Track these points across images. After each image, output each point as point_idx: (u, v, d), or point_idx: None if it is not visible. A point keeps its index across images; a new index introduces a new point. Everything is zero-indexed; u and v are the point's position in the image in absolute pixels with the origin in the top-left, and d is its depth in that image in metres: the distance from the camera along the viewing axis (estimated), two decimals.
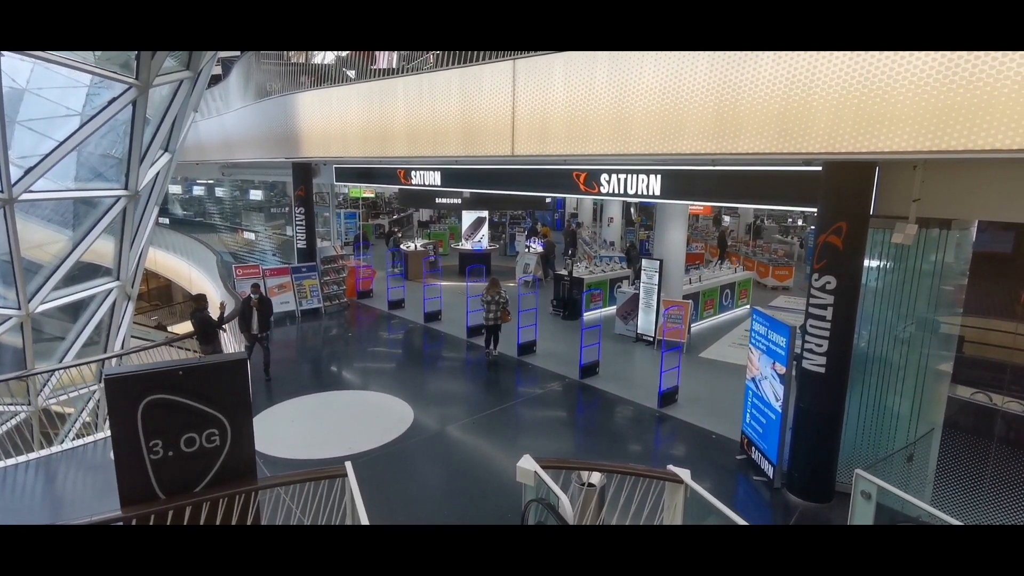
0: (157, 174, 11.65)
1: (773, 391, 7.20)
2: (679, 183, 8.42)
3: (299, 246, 16.43)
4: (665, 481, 5.10)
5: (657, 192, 8.58)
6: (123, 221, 10.71)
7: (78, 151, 9.57)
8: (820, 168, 6.47)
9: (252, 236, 24.64)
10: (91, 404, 11.91)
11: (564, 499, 4.46)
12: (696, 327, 13.48)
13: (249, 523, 4.57)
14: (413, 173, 13.58)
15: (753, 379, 7.76)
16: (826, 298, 6.38)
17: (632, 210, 29.97)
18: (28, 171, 8.49)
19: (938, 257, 6.24)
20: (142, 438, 4.14)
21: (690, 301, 12.69)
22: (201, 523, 4.30)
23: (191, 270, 22.29)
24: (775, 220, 31.28)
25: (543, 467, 4.82)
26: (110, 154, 10.69)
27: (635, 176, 8.82)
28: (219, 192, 31.57)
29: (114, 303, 11.95)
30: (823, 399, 6.66)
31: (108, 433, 8.71)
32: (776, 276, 19.34)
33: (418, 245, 20.63)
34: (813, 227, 24.84)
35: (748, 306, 15.78)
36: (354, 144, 11.86)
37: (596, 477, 5.39)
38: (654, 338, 12.53)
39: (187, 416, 4.27)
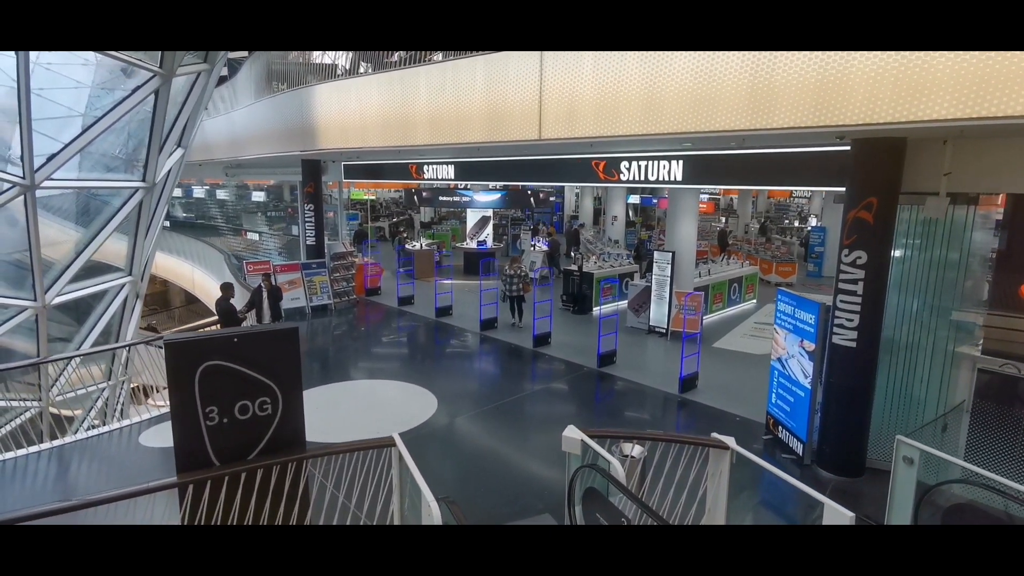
0: (170, 170, 11.67)
1: (801, 368, 7.27)
2: (702, 167, 8.50)
3: (308, 243, 16.43)
4: (709, 448, 5.14)
5: (679, 178, 8.66)
6: (139, 214, 10.71)
7: (83, 152, 9.55)
8: (848, 147, 6.58)
9: (256, 236, 24.65)
10: (98, 405, 11.82)
11: (615, 463, 4.49)
12: (706, 320, 13.56)
13: (300, 493, 4.59)
14: (426, 168, 13.62)
15: (779, 359, 7.83)
16: (857, 273, 6.46)
17: (630, 212, 30.26)
18: (50, 158, 8.50)
19: (965, 234, 6.35)
20: (199, 404, 4.16)
21: (701, 293, 12.79)
22: (254, 492, 4.31)
23: (193, 271, 22.22)
24: (773, 221, 31.72)
25: (589, 436, 4.86)
26: (115, 155, 10.71)
27: (656, 162, 8.91)
28: (220, 195, 31.59)
29: (125, 299, 11.91)
30: (854, 373, 6.74)
31: (117, 425, 8.66)
32: (780, 272, 19.52)
33: (423, 244, 20.70)
34: (812, 227, 25.34)
35: (755, 300, 15.98)
36: (373, 134, 11.84)
37: (637, 450, 5.42)
38: (667, 329, 12.60)
39: (241, 383, 4.31)
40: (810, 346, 7.10)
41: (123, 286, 11.55)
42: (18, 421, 10.00)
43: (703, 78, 6.74)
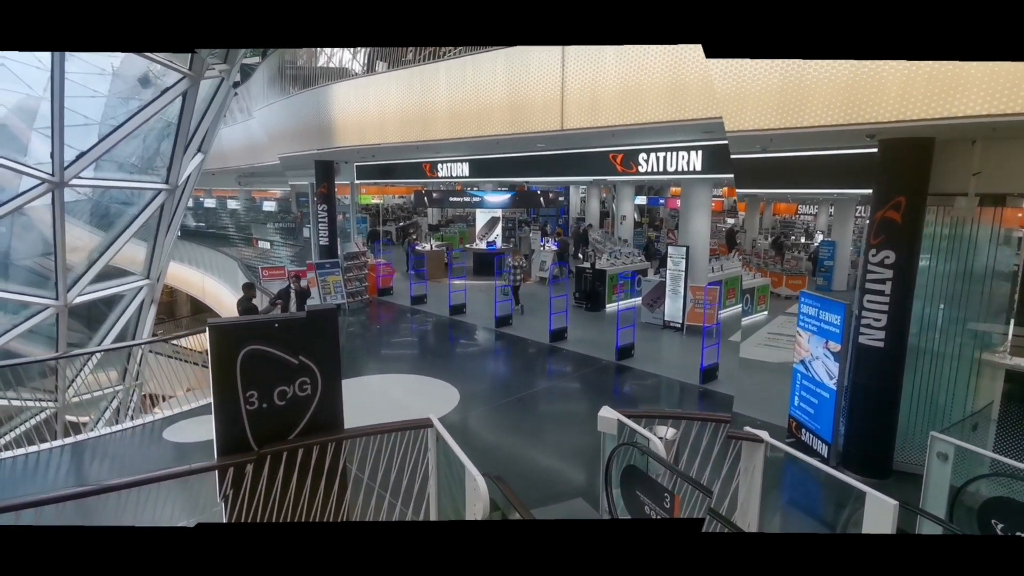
0: (189, 175, 11.73)
1: (826, 370, 7.26)
2: (722, 157, 8.49)
3: (321, 243, 16.48)
4: (742, 443, 5.10)
5: (698, 167, 8.67)
6: (159, 217, 10.79)
7: (99, 159, 9.64)
8: (875, 149, 6.57)
9: (267, 245, 24.86)
10: (108, 413, 11.76)
11: (655, 440, 4.46)
12: (721, 315, 13.59)
13: (339, 472, 4.61)
14: (440, 166, 13.64)
15: (803, 361, 7.81)
16: (884, 272, 6.47)
17: (637, 213, 30.42)
18: (79, 156, 8.60)
19: (991, 243, 6.34)
20: (240, 388, 4.20)
21: (718, 286, 12.81)
22: (295, 471, 4.33)
23: (204, 279, 22.34)
24: (785, 236, 31.94)
25: (625, 415, 4.83)
26: (131, 163, 10.80)
27: (675, 153, 8.91)
28: (231, 204, 31.89)
29: (141, 303, 11.95)
30: (882, 374, 6.73)
31: (141, 421, 8.65)
32: (790, 285, 19.49)
33: (433, 246, 20.79)
34: (819, 243, 25.37)
35: (767, 312, 15.92)
36: (392, 129, 11.84)
37: (671, 432, 5.38)
38: (682, 324, 12.63)
39: (281, 368, 4.36)
40: (835, 347, 7.10)
41: (140, 289, 11.62)
42: (32, 422, 9.99)
43: (732, 76, 6.74)
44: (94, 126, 9.41)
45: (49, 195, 8.65)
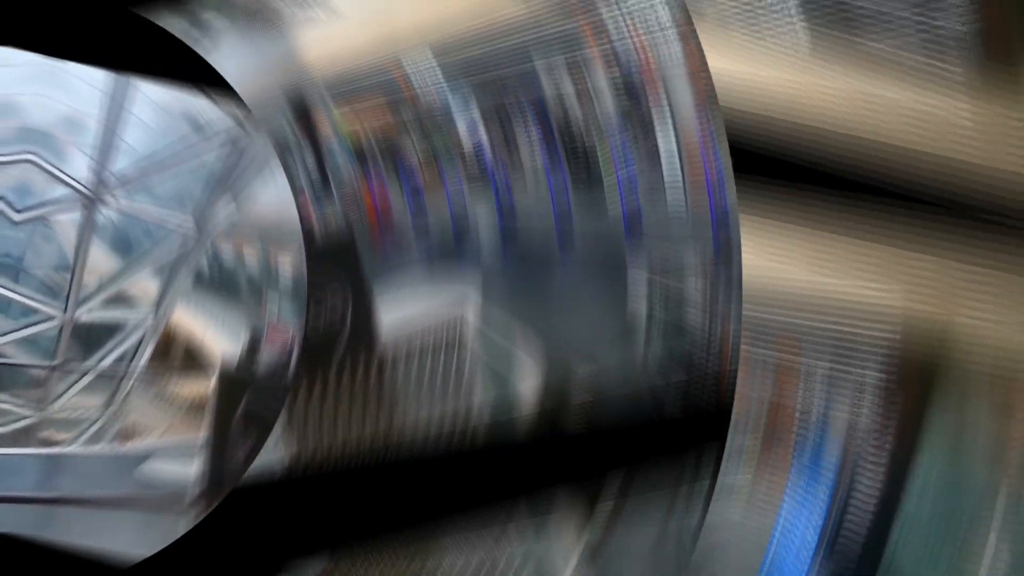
0: (218, 221, 11.56)
1: (804, 550, 7.26)
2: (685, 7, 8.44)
3: (312, 177, 16.62)
4: None
5: (668, 23, 8.69)
6: (180, 256, 10.81)
7: (133, 188, 9.63)
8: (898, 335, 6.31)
9: (275, 308, 24.39)
10: (89, 432, 12.03)
11: (689, 315, 4.57)
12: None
13: (384, 385, 4.65)
14: (412, 76, 13.59)
15: (782, 533, 7.82)
16: (881, 455, 6.40)
17: (614, 91, 29.91)
18: (119, 178, 8.73)
19: (995, 445, 6.20)
20: (233, 432, 4.11)
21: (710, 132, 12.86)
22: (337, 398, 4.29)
23: (206, 326, 22.37)
24: None
25: (651, 277, 5.08)
26: (163, 196, 10.67)
27: (641, 14, 8.90)
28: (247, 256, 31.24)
29: (144, 334, 12.10)
30: (858, 569, 6.75)
31: (121, 448, 8.90)
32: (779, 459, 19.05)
33: (420, 158, 20.75)
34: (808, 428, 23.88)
35: (752, 475, 15.60)
36: (361, 43, 11.61)
37: (699, 283, 5.64)
38: (683, 181, 12.88)
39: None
40: (816, 528, 7.04)
41: (145, 321, 11.82)
42: (10, 427, 10.31)
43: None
44: (133, 152, 9.38)
45: (78, 210, 8.83)
